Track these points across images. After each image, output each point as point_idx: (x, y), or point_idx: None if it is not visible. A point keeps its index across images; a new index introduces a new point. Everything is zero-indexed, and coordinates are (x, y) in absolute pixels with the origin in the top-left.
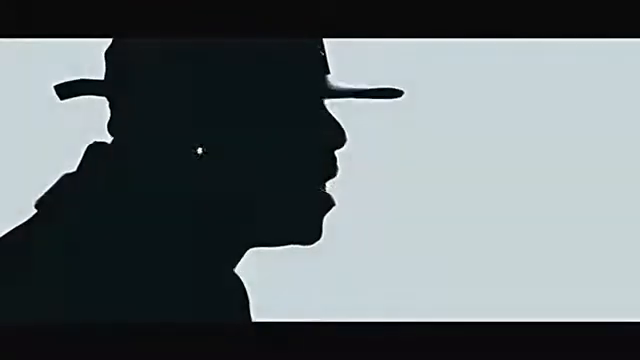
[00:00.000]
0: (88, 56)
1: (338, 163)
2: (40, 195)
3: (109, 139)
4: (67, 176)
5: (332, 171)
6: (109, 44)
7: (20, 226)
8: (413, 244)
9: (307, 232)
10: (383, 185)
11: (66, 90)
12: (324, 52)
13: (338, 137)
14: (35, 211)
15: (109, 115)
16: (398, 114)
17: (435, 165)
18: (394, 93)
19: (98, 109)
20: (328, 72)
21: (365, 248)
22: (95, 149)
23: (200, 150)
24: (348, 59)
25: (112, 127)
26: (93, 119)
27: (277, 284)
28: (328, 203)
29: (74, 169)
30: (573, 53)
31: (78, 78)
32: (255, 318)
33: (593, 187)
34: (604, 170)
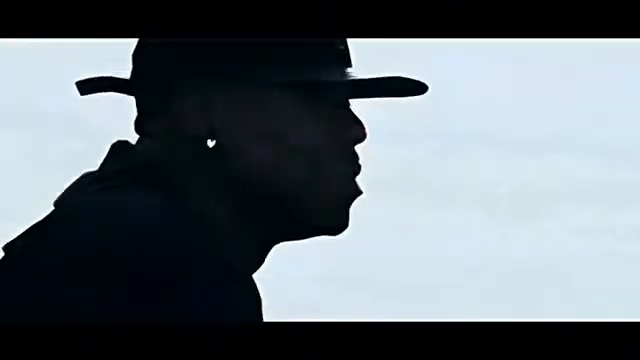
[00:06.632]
0: (89, 57)
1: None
2: (59, 194)
3: (129, 138)
4: (87, 175)
5: (356, 163)
6: (135, 45)
7: (37, 224)
8: (413, 244)
9: (335, 222)
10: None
11: (87, 86)
12: (345, 47)
13: (360, 130)
14: (52, 209)
15: (136, 114)
16: (402, 112)
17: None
18: (419, 88)
19: (107, 111)
20: (350, 65)
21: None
22: (119, 148)
23: (210, 143)
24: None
25: (139, 125)
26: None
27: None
28: (355, 191)
29: (95, 168)
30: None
31: (100, 75)
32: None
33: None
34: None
